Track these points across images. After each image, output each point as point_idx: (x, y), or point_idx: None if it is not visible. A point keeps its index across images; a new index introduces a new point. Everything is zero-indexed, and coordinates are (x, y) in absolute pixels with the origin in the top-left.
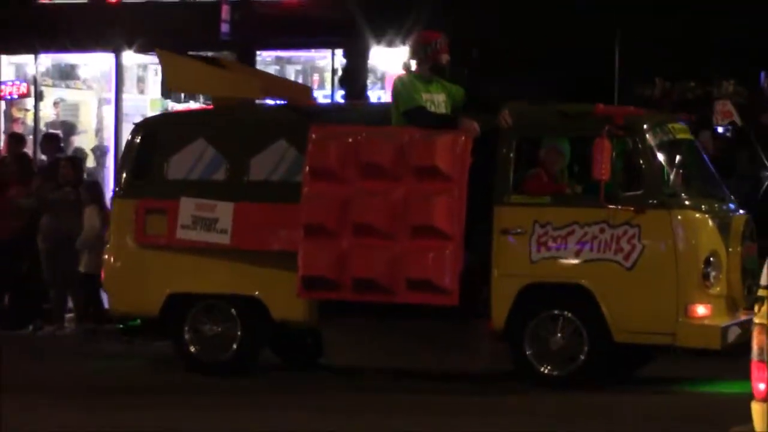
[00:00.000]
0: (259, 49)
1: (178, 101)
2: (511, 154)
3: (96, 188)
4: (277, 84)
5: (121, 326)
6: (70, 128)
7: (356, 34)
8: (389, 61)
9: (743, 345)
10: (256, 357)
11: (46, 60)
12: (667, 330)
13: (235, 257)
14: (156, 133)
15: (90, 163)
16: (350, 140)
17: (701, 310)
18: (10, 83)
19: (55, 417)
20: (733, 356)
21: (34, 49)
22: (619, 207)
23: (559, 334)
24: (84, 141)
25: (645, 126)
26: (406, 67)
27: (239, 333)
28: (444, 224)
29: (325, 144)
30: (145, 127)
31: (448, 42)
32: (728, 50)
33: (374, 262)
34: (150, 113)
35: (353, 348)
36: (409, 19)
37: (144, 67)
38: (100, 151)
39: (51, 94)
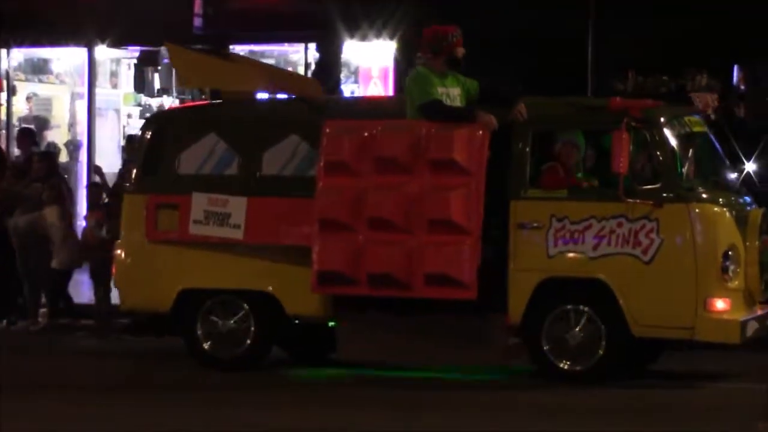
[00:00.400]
0: (233, 43)
1: (151, 95)
2: (527, 148)
3: (59, 188)
4: (286, 78)
5: (128, 321)
6: (42, 123)
7: (329, 28)
8: (363, 55)
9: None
10: (269, 352)
11: (18, 54)
12: (686, 324)
13: (247, 252)
14: (167, 128)
15: (63, 157)
16: (365, 134)
17: (720, 304)
18: None
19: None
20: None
21: (6, 43)
22: (638, 201)
23: (576, 329)
24: (57, 136)
25: (662, 119)
26: (420, 60)
27: (252, 328)
28: (462, 218)
29: (339, 138)
30: (155, 121)
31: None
32: (702, 44)
33: (390, 256)
34: (123, 108)
35: (368, 343)
36: (382, 13)
37: (117, 62)
38: (73, 146)
39: (23, 89)
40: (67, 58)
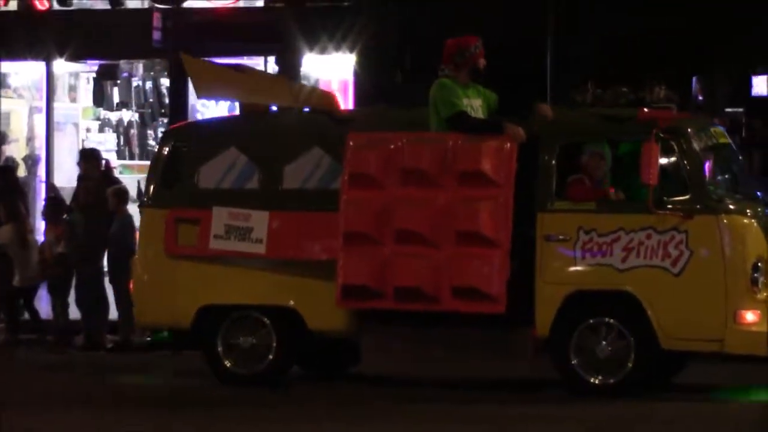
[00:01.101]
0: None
1: (110, 109)
2: (553, 160)
3: (15, 206)
4: (302, 91)
5: (150, 339)
6: (1, 137)
7: (289, 41)
8: (322, 68)
9: None
10: (291, 367)
11: None
12: (716, 337)
13: (268, 267)
14: (185, 142)
15: (21, 172)
16: (391, 146)
17: (750, 316)
18: None
19: None
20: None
21: None
22: (667, 212)
23: (604, 342)
24: (15, 150)
25: (690, 130)
26: (443, 71)
27: (274, 344)
28: (490, 231)
29: (364, 151)
30: (174, 135)
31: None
32: (660, 55)
33: (418, 269)
34: (82, 122)
35: (394, 357)
36: (341, 26)
37: (76, 76)
38: (31, 161)
39: None
40: (26, 73)
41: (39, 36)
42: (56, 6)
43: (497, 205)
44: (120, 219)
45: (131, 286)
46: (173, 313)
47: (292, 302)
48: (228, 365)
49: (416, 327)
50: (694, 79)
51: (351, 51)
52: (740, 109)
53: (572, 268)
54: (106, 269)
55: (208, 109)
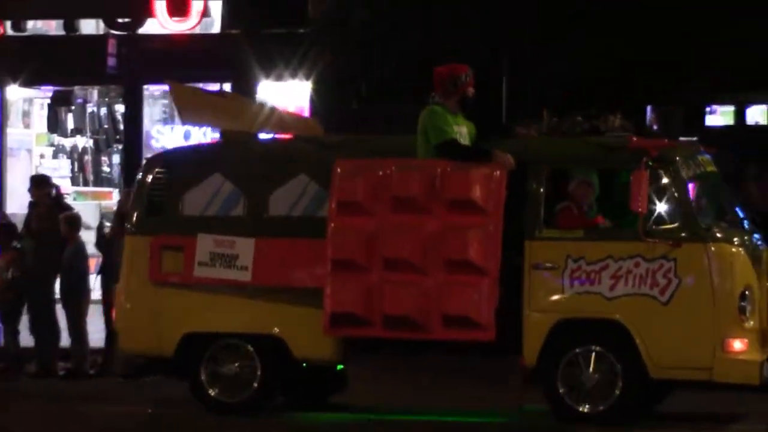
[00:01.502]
0: (147, 83)
1: (64, 135)
2: (542, 188)
3: None
4: (284, 117)
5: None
6: None
7: (244, 67)
8: (277, 95)
9: None
10: (276, 396)
11: None
12: (704, 365)
13: (253, 294)
14: (169, 168)
15: None
16: (379, 173)
17: (738, 344)
18: None
19: None
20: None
21: None
22: (657, 240)
23: (592, 370)
24: None
25: (678, 158)
26: (433, 99)
27: (259, 373)
28: (479, 259)
29: (352, 177)
30: (157, 161)
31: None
32: (615, 84)
33: (406, 297)
34: (35, 148)
35: (380, 384)
36: (297, 53)
37: (30, 101)
38: None
39: None
40: None
41: None
42: (10, 31)
43: (486, 233)
44: (72, 246)
45: (113, 313)
46: (157, 341)
47: (277, 330)
48: (212, 393)
49: (403, 355)
50: (648, 108)
51: (307, 78)
52: (694, 139)
53: (560, 296)
54: (58, 296)
55: (163, 135)
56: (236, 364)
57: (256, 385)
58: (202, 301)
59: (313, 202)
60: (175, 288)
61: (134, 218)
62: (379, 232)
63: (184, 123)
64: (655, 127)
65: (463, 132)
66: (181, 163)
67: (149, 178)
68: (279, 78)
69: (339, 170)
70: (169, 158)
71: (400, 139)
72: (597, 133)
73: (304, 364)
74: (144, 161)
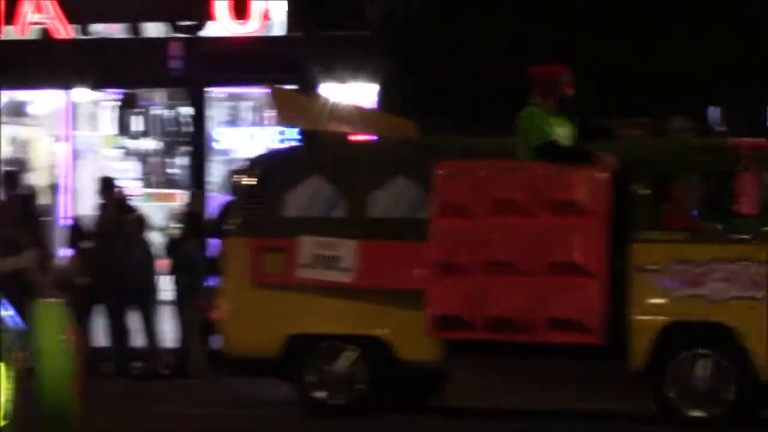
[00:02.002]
0: (211, 86)
1: (132, 137)
2: (646, 190)
3: (37, 232)
4: (380, 119)
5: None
6: (22, 165)
7: (306, 69)
8: (339, 96)
9: None
10: (381, 398)
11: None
12: None
13: (356, 296)
14: (270, 170)
15: (43, 200)
16: (481, 175)
17: None
18: None
19: None
20: None
21: None
22: (762, 243)
23: (702, 375)
24: (36, 178)
25: None
26: (533, 100)
27: (363, 374)
28: (585, 260)
29: (453, 179)
30: (258, 164)
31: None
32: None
33: (511, 299)
34: (103, 150)
35: (483, 387)
36: (357, 54)
37: (96, 104)
38: (53, 188)
39: (2, 132)
40: (45, 101)
41: (59, 64)
42: (78, 35)
43: (592, 235)
44: (140, 247)
45: (215, 315)
46: (262, 343)
47: (381, 332)
48: (317, 395)
49: (507, 357)
50: (709, 108)
51: (370, 81)
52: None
53: (665, 300)
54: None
55: (226, 137)
56: (341, 366)
57: (360, 386)
58: (305, 302)
59: (412, 203)
60: (277, 289)
61: (235, 220)
62: (482, 234)
63: (281, 126)
64: (718, 128)
65: (564, 133)
66: (281, 165)
67: (250, 180)
68: (341, 80)
69: (440, 172)
70: (268, 161)
71: (498, 141)
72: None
73: (408, 366)
74: (244, 164)
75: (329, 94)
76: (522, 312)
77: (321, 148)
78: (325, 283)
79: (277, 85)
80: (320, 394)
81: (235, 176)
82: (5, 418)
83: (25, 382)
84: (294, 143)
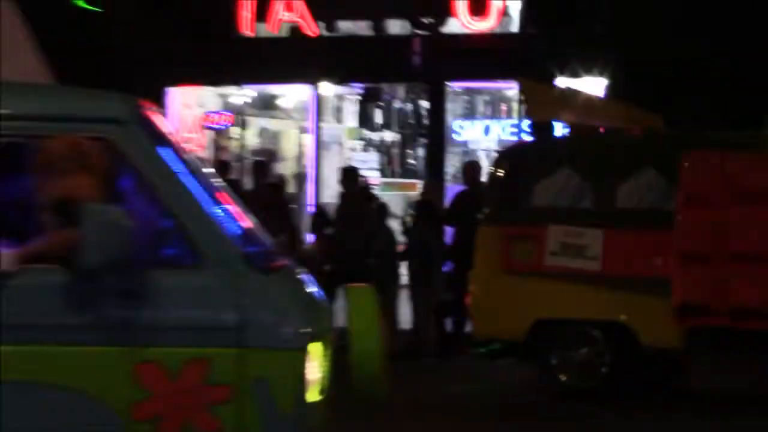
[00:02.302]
0: (449, 80)
1: (372, 129)
2: None
3: (286, 218)
4: (626, 112)
5: (482, 350)
6: (271, 155)
7: (540, 64)
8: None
9: None
10: (623, 382)
11: (249, 91)
12: None
13: (600, 283)
14: (520, 162)
15: (291, 188)
16: (728, 167)
17: None
18: (217, 114)
19: None
20: None
21: (238, 81)
22: None
23: None
24: (285, 168)
25: None
26: None
27: (607, 359)
28: None
29: (700, 170)
30: (509, 156)
31: None
32: None
33: (756, 290)
34: (346, 141)
35: (724, 375)
36: (590, 49)
37: (341, 98)
38: (299, 178)
39: (253, 124)
40: (293, 95)
41: (307, 60)
42: (324, 32)
43: None
44: (382, 233)
45: (467, 300)
46: (509, 326)
47: (624, 317)
48: (562, 378)
49: (748, 345)
50: None
51: (601, 75)
52: None
53: None
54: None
55: (464, 130)
56: (585, 350)
57: (604, 370)
58: (551, 288)
59: (660, 195)
60: (526, 276)
61: (487, 209)
62: (728, 225)
63: (530, 119)
64: None
65: None
66: (531, 157)
67: (501, 172)
68: (574, 74)
69: (687, 164)
70: (519, 152)
71: (747, 135)
72: None
73: (650, 352)
74: (497, 155)
75: (574, 88)
76: (765, 302)
77: (570, 141)
78: (572, 271)
79: (525, 78)
80: (564, 377)
81: (474, 167)
82: (322, 392)
83: (337, 360)
84: (527, 135)
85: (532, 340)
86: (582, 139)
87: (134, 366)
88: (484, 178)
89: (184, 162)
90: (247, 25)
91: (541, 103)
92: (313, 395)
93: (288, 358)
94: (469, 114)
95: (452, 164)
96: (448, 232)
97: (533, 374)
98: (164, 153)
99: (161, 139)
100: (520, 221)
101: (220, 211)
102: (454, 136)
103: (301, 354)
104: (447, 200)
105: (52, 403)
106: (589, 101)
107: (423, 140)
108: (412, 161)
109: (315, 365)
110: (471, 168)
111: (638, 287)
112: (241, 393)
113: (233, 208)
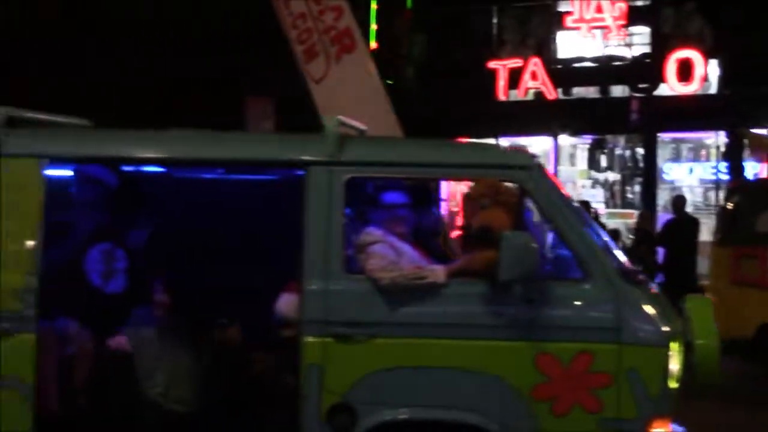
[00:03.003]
0: (660, 132)
1: (598, 171)
2: None
3: None
4: None
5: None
6: None
7: (737, 117)
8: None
9: None
10: None
11: (503, 142)
12: None
13: None
14: (746, 195)
15: None
16: None
17: None
18: None
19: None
20: None
21: (496, 135)
22: None
23: None
24: None
25: None
26: None
27: None
28: None
29: None
30: (737, 190)
31: None
32: None
33: None
34: (578, 180)
35: None
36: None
37: (574, 146)
38: None
39: None
40: (538, 145)
41: (548, 118)
42: (561, 96)
43: None
44: None
45: None
46: (738, 328)
47: None
48: None
49: None
50: None
51: None
52: None
53: None
54: None
55: (672, 170)
56: None
57: None
58: None
59: None
60: (751, 287)
61: (719, 234)
62: None
63: (756, 159)
64: None
65: None
66: (755, 192)
67: (729, 204)
68: (758, 123)
69: None
70: (745, 187)
71: None
72: None
73: None
74: (726, 190)
75: None
76: None
77: None
78: None
79: (746, 130)
80: None
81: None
82: (678, 381)
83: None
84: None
85: (758, 340)
86: None
87: (536, 356)
88: (688, 209)
89: (566, 198)
90: (502, 91)
91: (762, 147)
92: (672, 383)
93: (655, 353)
94: (676, 158)
95: (662, 198)
96: (660, 252)
97: (756, 367)
98: (556, 192)
99: (552, 181)
100: (746, 243)
101: (597, 236)
102: (663, 175)
103: (665, 349)
104: (658, 226)
105: (475, 384)
106: None
107: (638, 179)
108: (630, 195)
109: (675, 359)
110: (678, 201)
111: None
112: (618, 379)
113: (604, 233)
